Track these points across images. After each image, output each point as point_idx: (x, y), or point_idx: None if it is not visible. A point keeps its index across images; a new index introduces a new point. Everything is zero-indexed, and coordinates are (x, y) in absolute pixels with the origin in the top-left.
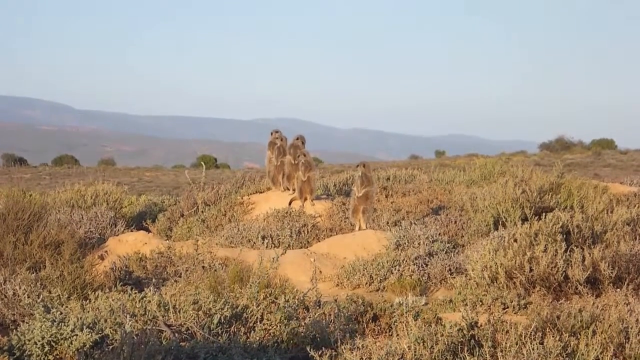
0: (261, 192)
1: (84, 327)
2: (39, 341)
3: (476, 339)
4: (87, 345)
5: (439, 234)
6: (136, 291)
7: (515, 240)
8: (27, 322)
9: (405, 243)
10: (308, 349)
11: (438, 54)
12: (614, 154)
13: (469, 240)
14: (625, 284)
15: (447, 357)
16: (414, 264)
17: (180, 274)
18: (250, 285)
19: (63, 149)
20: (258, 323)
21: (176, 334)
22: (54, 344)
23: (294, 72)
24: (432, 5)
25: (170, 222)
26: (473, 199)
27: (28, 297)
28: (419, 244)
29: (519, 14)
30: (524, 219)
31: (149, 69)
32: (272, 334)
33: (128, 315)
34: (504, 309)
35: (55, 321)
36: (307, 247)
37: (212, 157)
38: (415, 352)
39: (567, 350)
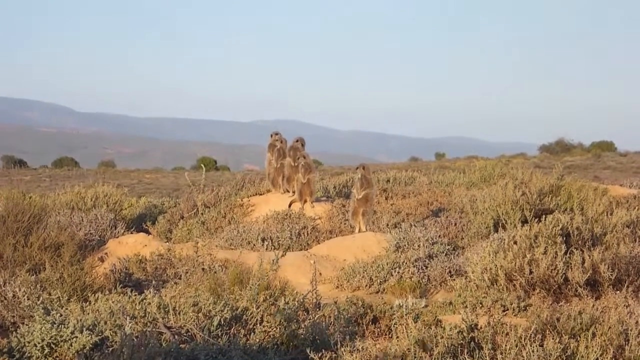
0: (261, 194)
1: (84, 329)
2: (39, 343)
3: (476, 341)
4: (87, 347)
5: (439, 236)
6: (136, 293)
7: (515, 243)
8: (27, 324)
9: (405, 245)
10: (308, 351)
11: (438, 55)
12: (614, 156)
13: (469, 243)
14: (625, 286)
15: (447, 359)
16: (414, 266)
17: (180, 276)
18: (250, 288)
19: (63, 151)
20: (258, 325)
21: (176, 336)
22: (53, 346)
23: (294, 74)
24: (432, 5)
25: (170, 224)
26: (473, 201)
27: (28, 299)
28: (418, 246)
29: (519, 15)
30: (524, 221)
31: (148, 71)
32: (272, 336)
33: (128, 317)
34: (503, 311)
35: (55, 323)
36: (307, 249)
37: (212, 159)
38: (415, 354)
39: (566, 352)
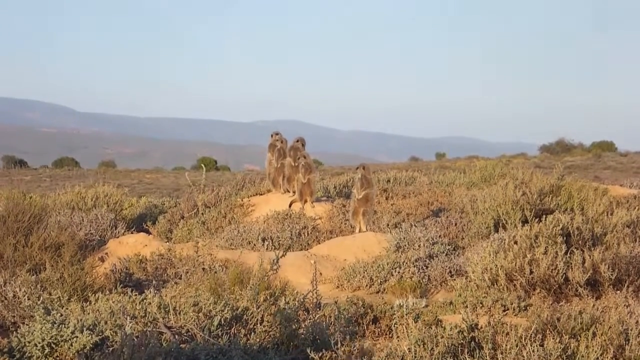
0: (261, 194)
1: (84, 329)
2: (39, 343)
3: (476, 340)
4: (87, 347)
5: (439, 236)
6: (136, 293)
7: (516, 243)
8: (27, 324)
9: (405, 245)
10: (308, 351)
11: (438, 55)
12: (614, 156)
13: (469, 243)
14: (625, 286)
15: (448, 359)
16: (414, 266)
17: (181, 275)
18: (251, 287)
19: (63, 151)
20: (258, 325)
21: (176, 336)
22: (54, 346)
23: (294, 74)
24: (432, 5)
25: (170, 224)
26: (473, 201)
27: (28, 299)
28: (419, 246)
29: (519, 15)
30: (524, 221)
31: (149, 71)
32: (272, 336)
33: (128, 317)
34: (504, 311)
35: (55, 323)
36: (308, 249)
37: (213, 159)
38: (415, 354)
39: (567, 352)
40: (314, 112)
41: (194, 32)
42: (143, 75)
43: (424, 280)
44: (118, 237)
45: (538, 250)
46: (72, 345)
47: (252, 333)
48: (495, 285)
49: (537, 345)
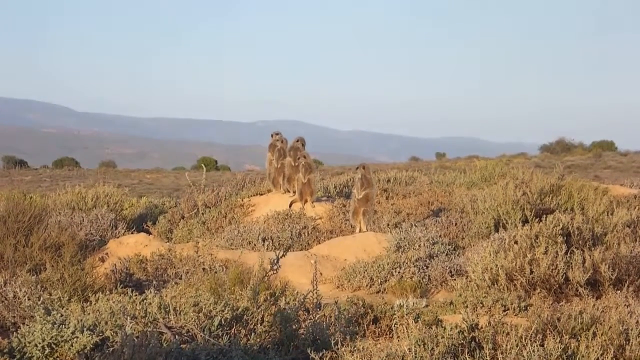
0: (261, 194)
1: (85, 329)
2: (40, 343)
3: (477, 340)
4: (88, 348)
5: (440, 236)
6: (137, 293)
7: (516, 242)
8: (27, 325)
9: (405, 245)
10: (308, 351)
11: (438, 55)
12: (614, 155)
13: (470, 242)
14: (626, 286)
15: (448, 359)
16: (415, 266)
17: (181, 276)
18: (251, 288)
19: (63, 152)
20: (259, 325)
21: (177, 336)
22: (54, 346)
23: (294, 74)
24: (432, 5)
25: (170, 224)
26: (473, 201)
27: (28, 300)
28: (419, 246)
29: (520, 15)
30: (525, 221)
31: (149, 71)
32: (272, 336)
33: (128, 318)
34: (504, 310)
35: (55, 323)
36: (308, 249)
37: (213, 159)
38: (415, 354)
39: (567, 352)
40: (314, 112)
41: (194, 32)
42: (143, 76)
43: (424, 280)
44: (118, 237)
45: (538, 250)
46: (72, 346)
47: (253, 333)
48: (496, 285)
49: (537, 345)
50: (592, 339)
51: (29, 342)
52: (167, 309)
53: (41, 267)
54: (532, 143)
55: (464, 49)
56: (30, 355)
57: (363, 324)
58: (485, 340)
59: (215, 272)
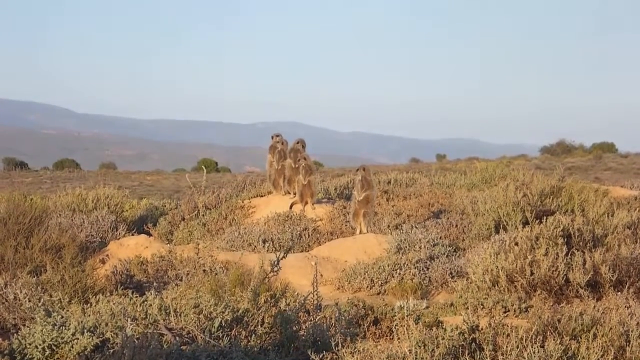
0: (262, 196)
1: (85, 330)
2: (40, 345)
3: (477, 342)
4: (88, 349)
5: (440, 237)
6: (137, 295)
7: (517, 244)
8: (28, 326)
9: (406, 246)
10: (309, 353)
11: (439, 56)
12: (615, 157)
13: (470, 244)
14: (626, 288)
15: None
16: (415, 268)
17: (181, 277)
18: (251, 289)
19: (64, 153)
20: (259, 327)
21: (177, 338)
22: (54, 348)
23: (294, 76)
24: (432, 5)
25: (171, 226)
26: (474, 202)
27: (29, 301)
28: (420, 247)
29: (520, 15)
30: (525, 223)
31: (148, 73)
32: (273, 338)
33: (129, 319)
34: (505, 312)
35: (56, 325)
36: (308, 251)
37: (213, 160)
38: (416, 355)
39: (567, 353)
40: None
41: (193, 33)
42: (143, 77)
43: (424, 281)
44: (119, 238)
45: (539, 251)
46: (72, 347)
47: (253, 335)
48: (496, 287)
49: (537, 347)
50: (592, 341)
51: (30, 344)
52: (167, 311)
53: (42, 268)
54: (533, 144)
55: (464, 49)
56: (30, 356)
57: (363, 325)
58: (486, 341)
59: (216, 274)
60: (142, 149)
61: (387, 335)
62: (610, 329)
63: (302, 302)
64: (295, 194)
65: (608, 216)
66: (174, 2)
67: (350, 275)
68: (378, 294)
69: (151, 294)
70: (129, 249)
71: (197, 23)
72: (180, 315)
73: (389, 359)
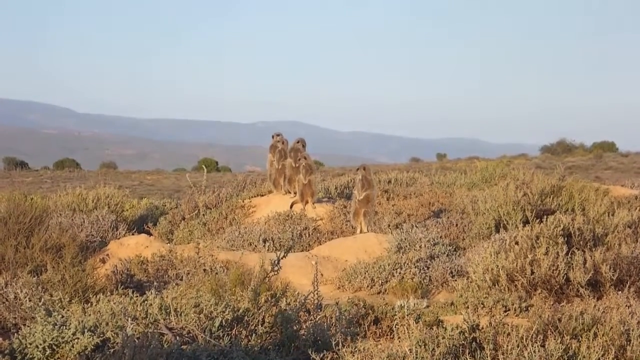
0: (262, 195)
1: (86, 330)
2: (41, 344)
3: (477, 341)
4: (89, 349)
5: (440, 236)
6: (137, 294)
7: (517, 243)
8: (28, 326)
9: (406, 246)
10: (309, 352)
11: (439, 56)
12: (615, 156)
13: (471, 243)
14: (627, 287)
15: (449, 359)
16: (416, 267)
17: (182, 277)
18: (252, 289)
19: (64, 153)
20: (259, 326)
21: (177, 337)
22: (55, 348)
23: (295, 75)
24: (432, 5)
25: (171, 226)
26: (474, 201)
27: (29, 301)
28: (420, 246)
29: (520, 15)
30: (526, 222)
31: (149, 72)
32: (273, 337)
33: (129, 319)
34: (505, 311)
35: (56, 324)
36: (309, 250)
37: (214, 160)
38: (416, 354)
39: (568, 352)
40: (315, 113)
41: (194, 32)
42: (143, 76)
43: (425, 281)
44: (119, 238)
45: (539, 250)
46: (73, 347)
47: (253, 334)
48: (497, 286)
49: (538, 346)
50: (593, 340)
51: (30, 343)
52: (167, 310)
53: (42, 268)
54: (533, 144)
55: (464, 49)
56: (31, 356)
57: (364, 324)
58: (486, 340)
59: (216, 273)
60: (142, 149)
61: (387, 335)
62: (611, 328)
63: (303, 301)
64: (295, 193)
65: (608, 215)
66: (174, 2)
67: (350, 275)
68: (378, 293)
69: (151, 293)
70: (129, 248)
71: (197, 23)
72: (180, 314)
73: (390, 358)
